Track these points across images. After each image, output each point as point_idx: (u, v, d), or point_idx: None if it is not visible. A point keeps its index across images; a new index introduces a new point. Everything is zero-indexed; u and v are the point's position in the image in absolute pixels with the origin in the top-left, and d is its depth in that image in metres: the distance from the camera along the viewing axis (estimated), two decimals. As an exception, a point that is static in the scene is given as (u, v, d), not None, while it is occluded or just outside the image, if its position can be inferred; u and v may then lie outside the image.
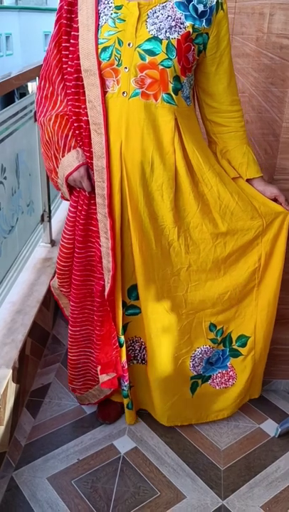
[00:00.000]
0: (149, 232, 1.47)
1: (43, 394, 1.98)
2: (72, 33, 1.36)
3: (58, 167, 1.48)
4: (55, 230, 2.71)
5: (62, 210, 2.99)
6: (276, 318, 1.71)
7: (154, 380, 1.67)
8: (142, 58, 1.31)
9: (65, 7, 1.36)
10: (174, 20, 1.31)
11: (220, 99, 1.48)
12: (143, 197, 1.43)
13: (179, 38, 1.31)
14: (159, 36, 1.30)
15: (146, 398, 1.80)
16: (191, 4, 1.32)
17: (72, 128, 1.43)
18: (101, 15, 1.33)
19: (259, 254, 1.57)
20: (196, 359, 1.67)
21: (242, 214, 1.51)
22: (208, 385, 1.76)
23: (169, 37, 1.30)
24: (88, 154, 1.43)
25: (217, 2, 1.34)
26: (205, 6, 1.33)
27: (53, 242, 2.64)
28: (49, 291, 1.81)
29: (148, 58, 1.31)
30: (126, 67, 1.32)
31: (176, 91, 1.36)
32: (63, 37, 1.38)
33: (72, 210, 1.56)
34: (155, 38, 1.30)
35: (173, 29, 1.30)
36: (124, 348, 1.65)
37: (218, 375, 1.75)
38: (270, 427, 1.86)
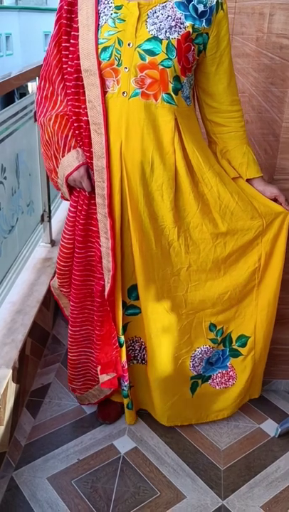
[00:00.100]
0: (149, 232, 1.47)
1: (43, 394, 1.98)
2: (72, 33, 1.36)
3: (57, 167, 1.48)
4: (55, 230, 2.71)
5: (62, 210, 2.99)
6: (276, 318, 1.71)
7: (154, 380, 1.67)
8: (142, 58, 1.31)
9: (65, 7, 1.36)
10: (174, 20, 1.31)
11: (220, 99, 1.48)
12: (143, 197, 1.43)
13: (179, 38, 1.31)
14: (159, 36, 1.30)
15: (146, 398, 1.80)
16: (191, 4, 1.32)
17: (72, 128, 1.43)
18: (101, 15, 1.33)
19: (259, 254, 1.57)
20: (196, 359, 1.67)
21: (242, 214, 1.51)
22: (208, 385, 1.76)
23: (169, 37, 1.30)
24: (88, 154, 1.43)
25: (217, 2, 1.34)
26: (205, 6, 1.33)
27: (53, 242, 2.64)
28: (49, 291, 1.81)
29: (148, 58, 1.31)
30: (126, 67, 1.32)
31: (176, 91, 1.36)
32: (63, 37, 1.38)
33: (72, 210, 1.56)
34: (155, 38, 1.30)
35: (173, 29, 1.30)
36: (124, 348, 1.65)
37: (218, 375, 1.75)
38: (270, 427, 1.86)
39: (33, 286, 2.26)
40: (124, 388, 1.72)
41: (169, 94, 1.36)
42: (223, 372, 1.75)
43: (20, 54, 19.71)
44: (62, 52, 1.39)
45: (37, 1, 21.94)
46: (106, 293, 1.54)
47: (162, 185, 1.43)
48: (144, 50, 1.31)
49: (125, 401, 1.77)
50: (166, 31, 1.30)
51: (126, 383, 1.70)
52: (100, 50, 1.33)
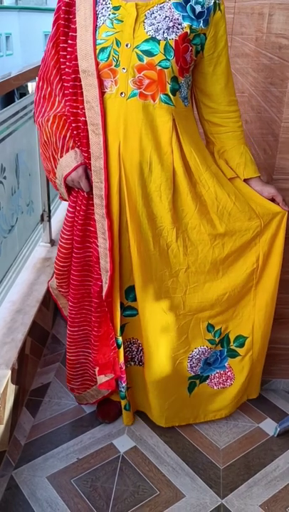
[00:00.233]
0: (148, 233, 1.47)
1: (42, 393, 1.99)
2: (70, 33, 1.36)
3: (56, 168, 1.48)
4: (54, 229, 2.71)
5: (61, 210, 3.00)
6: (275, 317, 1.71)
7: (152, 382, 1.67)
8: (140, 59, 1.31)
9: (63, 8, 1.36)
10: (171, 21, 1.31)
11: (217, 100, 1.48)
12: (141, 197, 1.43)
13: (177, 38, 1.31)
14: (157, 37, 1.30)
15: (143, 400, 1.80)
16: (188, 5, 1.32)
17: (71, 128, 1.43)
18: (99, 15, 1.33)
19: (257, 255, 1.57)
20: (194, 360, 1.66)
21: (240, 215, 1.51)
22: (206, 385, 1.76)
23: (166, 38, 1.30)
24: (86, 155, 1.43)
25: (214, 3, 1.34)
26: (202, 6, 1.33)
27: (52, 242, 2.64)
28: (49, 290, 1.82)
29: (146, 59, 1.31)
30: (124, 68, 1.32)
31: (174, 92, 1.37)
32: (61, 37, 1.38)
33: (71, 210, 1.56)
34: (153, 39, 1.30)
35: (171, 30, 1.30)
36: (121, 350, 1.64)
37: (216, 375, 1.75)
38: (269, 426, 1.86)
39: (32, 285, 2.26)
40: (122, 390, 1.72)
41: (166, 94, 1.36)
42: (221, 372, 1.75)
43: (20, 54, 19.71)
44: (60, 53, 1.39)
45: (37, 1, 21.93)
46: (104, 294, 1.54)
47: (161, 186, 1.43)
48: (141, 51, 1.31)
49: (123, 402, 1.77)
50: (163, 32, 1.30)
51: (123, 384, 1.70)
52: (97, 51, 1.33)
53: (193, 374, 1.70)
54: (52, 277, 1.75)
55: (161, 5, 1.31)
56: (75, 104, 1.39)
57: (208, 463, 1.71)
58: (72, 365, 1.78)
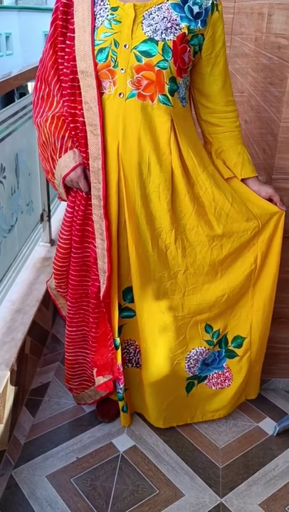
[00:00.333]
0: (146, 234, 1.47)
1: (42, 393, 1.99)
2: (68, 34, 1.36)
3: (54, 168, 1.48)
4: (54, 229, 2.71)
5: (61, 210, 2.99)
6: (275, 317, 1.71)
7: (149, 383, 1.67)
8: (138, 60, 1.31)
9: (61, 8, 1.36)
10: (169, 21, 1.31)
11: (215, 100, 1.48)
12: (140, 198, 1.43)
13: (175, 39, 1.31)
14: (155, 38, 1.30)
15: (140, 403, 1.80)
16: (186, 6, 1.32)
17: (69, 129, 1.43)
18: (97, 16, 1.33)
19: (255, 255, 1.57)
20: (192, 360, 1.66)
21: (237, 216, 1.51)
22: (204, 385, 1.76)
23: (164, 38, 1.30)
24: (84, 155, 1.43)
25: (212, 3, 1.34)
26: (200, 7, 1.33)
27: (52, 242, 2.65)
28: (47, 290, 1.82)
29: (144, 60, 1.31)
30: (122, 69, 1.32)
31: (172, 92, 1.37)
32: (59, 38, 1.38)
33: (70, 210, 1.56)
34: (151, 40, 1.30)
35: (169, 30, 1.31)
36: (119, 351, 1.64)
37: (214, 375, 1.75)
38: (269, 426, 1.87)
39: (32, 285, 2.26)
40: (120, 391, 1.71)
41: (165, 95, 1.36)
42: (219, 373, 1.74)
43: (20, 54, 19.71)
44: (58, 54, 1.39)
45: (37, 0, 21.93)
46: (101, 295, 1.54)
47: (159, 186, 1.43)
48: (140, 52, 1.31)
49: (120, 404, 1.77)
50: (161, 33, 1.30)
51: (121, 386, 1.69)
52: (96, 52, 1.33)
53: (191, 375, 1.69)
54: (50, 277, 1.75)
55: (159, 5, 1.31)
56: (73, 105, 1.39)
57: (208, 462, 1.72)
58: (71, 365, 1.78)
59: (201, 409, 1.81)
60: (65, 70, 1.38)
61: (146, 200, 1.44)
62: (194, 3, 1.32)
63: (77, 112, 1.39)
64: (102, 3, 1.34)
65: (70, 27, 1.36)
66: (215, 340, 1.67)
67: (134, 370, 1.75)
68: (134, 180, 1.41)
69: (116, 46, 1.32)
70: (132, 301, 1.60)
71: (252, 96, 1.97)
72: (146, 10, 1.31)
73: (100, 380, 1.70)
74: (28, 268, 2.40)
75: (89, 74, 1.33)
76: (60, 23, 1.36)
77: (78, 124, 1.40)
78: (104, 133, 1.37)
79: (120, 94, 1.35)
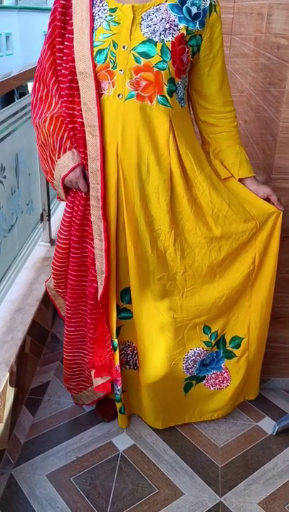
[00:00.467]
0: (145, 235, 1.47)
1: (42, 392, 1.99)
2: (67, 35, 1.36)
3: (53, 169, 1.48)
4: (54, 229, 2.72)
5: (61, 209, 2.97)
6: (274, 316, 1.71)
7: (147, 385, 1.66)
8: (137, 61, 1.31)
9: (59, 9, 1.36)
10: (168, 22, 1.31)
11: (213, 100, 1.49)
12: (139, 199, 1.43)
13: (173, 40, 1.31)
14: (154, 39, 1.30)
15: (138, 404, 1.80)
16: (184, 7, 1.32)
17: (68, 130, 1.43)
18: (96, 17, 1.33)
19: (253, 256, 1.57)
20: (189, 361, 1.65)
21: (235, 217, 1.51)
22: (203, 385, 1.75)
23: (163, 39, 1.30)
24: (83, 156, 1.43)
25: (210, 4, 1.35)
26: (198, 8, 1.33)
27: (52, 241, 2.65)
28: (46, 290, 1.82)
29: (143, 61, 1.31)
30: (121, 70, 1.33)
31: (170, 93, 1.37)
32: (57, 39, 1.38)
33: (69, 210, 1.56)
34: (150, 41, 1.30)
35: (167, 31, 1.31)
36: (117, 352, 1.64)
37: (213, 375, 1.75)
38: (268, 425, 1.87)
39: (32, 284, 2.27)
40: (117, 392, 1.71)
41: (163, 96, 1.36)
42: (218, 373, 1.74)
43: (20, 54, 19.70)
44: (57, 55, 1.39)
45: (37, 0, 21.93)
46: (99, 295, 1.54)
47: (158, 187, 1.42)
48: (138, 53, 1.31)
49: (118, 405, 1.77)
50: (160, 34, 1.30)
51: (119, 387, 1.69)
52: (94, 53, 1.33)
53: (189, 375, 1.69)
54: (49, 277, 1.75)
55: (158, 7, 1.31)
56: (71, 106, 1.40)
57: (207, 461, 1.72)
58: (69, 365, 1.78)
59: (200, 409, 1.81)
60: (63, 71, 1.38)
61: (145, 202, 1.44)
62: (192, 4, 1.33)
63: (75, 112, 1.39)
64: (100, 5, 1.34)
65: (69, 28, 1.36)
66: (213, 342, 1.67)
67: (132, 372, 1.75)
68: (134, 181, 1.41)
69: (115, 47, 1.32)
70: (130, 302, 1.60)
71: (251, 96, 1.97)
72: (145, 11, 1.31)
73: (98, 381, 1.69)
74: (28, 268, 2.41)
75: (88, 75, 1.34)
76: (59, 24, 1.36)
77: (77, 125, 1.41)
78: (103, 134, 1.37)
79: (119, 95, 1.35)
